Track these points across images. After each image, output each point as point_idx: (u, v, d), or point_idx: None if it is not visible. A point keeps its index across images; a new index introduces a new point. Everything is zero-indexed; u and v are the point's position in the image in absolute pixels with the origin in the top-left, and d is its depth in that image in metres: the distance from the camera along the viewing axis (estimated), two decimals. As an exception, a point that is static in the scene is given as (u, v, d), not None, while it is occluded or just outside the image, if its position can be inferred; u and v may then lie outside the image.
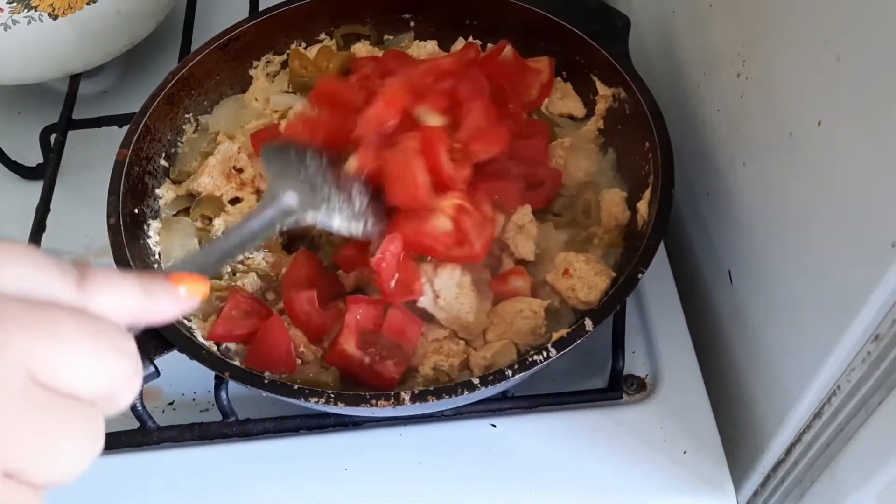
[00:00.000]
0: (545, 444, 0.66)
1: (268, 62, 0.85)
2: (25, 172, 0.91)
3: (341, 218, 0.64)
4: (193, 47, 0.87)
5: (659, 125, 0.70)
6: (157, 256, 0.73)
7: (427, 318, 0.66)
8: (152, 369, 0.59)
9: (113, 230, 0.69)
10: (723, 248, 0.70)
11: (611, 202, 0.72)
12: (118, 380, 0.34)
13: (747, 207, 0.64)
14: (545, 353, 0.58)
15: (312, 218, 0.63)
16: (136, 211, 0.73)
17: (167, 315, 0.40)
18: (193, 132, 0.81)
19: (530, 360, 0.58)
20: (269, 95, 0.83)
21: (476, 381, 0.58)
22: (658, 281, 0.75)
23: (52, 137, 0.87)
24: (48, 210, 0.79)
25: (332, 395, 0.58)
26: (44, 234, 0.77)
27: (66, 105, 0.88)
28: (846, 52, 0.47)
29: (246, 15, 0.90)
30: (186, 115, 0.81)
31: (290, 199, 0.62)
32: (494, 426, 0.68)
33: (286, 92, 0.83)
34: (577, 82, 0.81)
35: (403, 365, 0.64)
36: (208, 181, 0.75)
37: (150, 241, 0.73)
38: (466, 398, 0.58)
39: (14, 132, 0.93)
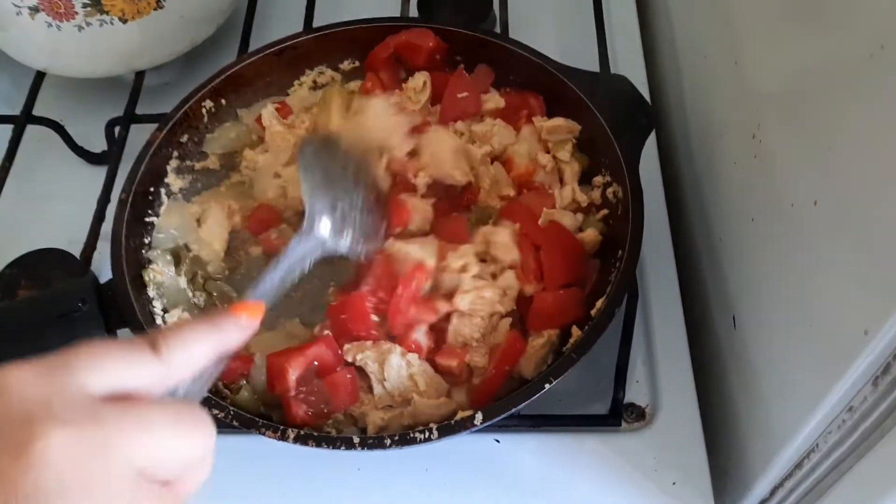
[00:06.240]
0: (543, 463, 0.71)
1: (320, 73, 0.90)
2: (90, 158, 0.97)
3: (354, 241, 0.68)
4: (251, 48, 0.93)
5: (633, 249, 0.69)
6: (150, 238, 0.80)
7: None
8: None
9: (120, 205, 0.76)
10: (730, 293, 0.73)
11: None
12: (199, 454, 0.39)
13: (753, 260, 0.67)
14: (427, 434, 0.63)
15: (340, 248, 0.67)
16: (151, 189, 0.80)
17: (238, 342, 0.46)
18: (229, 122, 0.87)
19: (411, 436, 0.63)
20: (304, 105, 0.87)
21: (356, 439, 0.63)
22: (668, 316, 0.79)
23: (116, 129, 0.93)
24: (108, 200, 0.85)
25: (232, 413, 0.65)
26: (103, 224, 0.84)
27: (131, 100, 0.94)
28: (839, 143, 0.49)
29: (301, 25, 0.95)
30: (229, 109, 0.87)
31: (323, 230, 0.66)
32: (498, 441, 0.73)
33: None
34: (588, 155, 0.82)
35: (316, 418, 0.68)
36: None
37: (154, 220, 0.80)
38: (345, 452, 0.63)
39: (82, 118, 0.99)
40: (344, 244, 0.68)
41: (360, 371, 0.70)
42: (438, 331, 0.72)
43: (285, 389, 0.68)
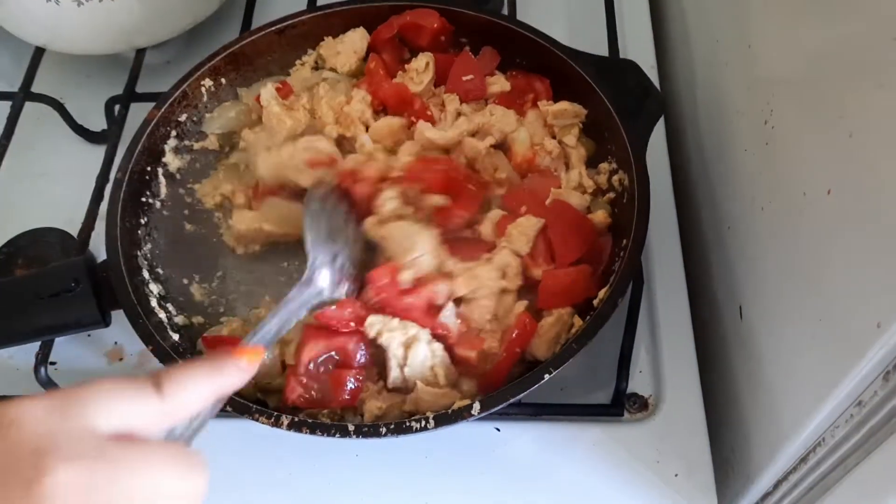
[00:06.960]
0: (544, 453, 0.70)
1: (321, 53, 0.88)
2: (90, 136, 0.96)
3: (348, 292, 0.70)
4: (254, 26, 0.91)
5: (638, 238, 0.69)
6: (147, 219, 0.78)
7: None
8: (99, 318, 0.69)
9: (116, 185, 0.75)
10: (737, 282, 0.72)
11: None
12: (193, 494, 0.42)
13: (762, 249, 0.66)
14: (423, 423, 0.62)
15: (336, 297, 0.69)
16: (148, 168, 0.79)
17: (237, 385, 0.49)
18: (229, 101, 0.86)
19: (406, 424, 0.62)
20: (307, 85, 0.86)
21: (351, 427, 0.62)
22: (673, 305, 0.78)
23: (116, 108, 0.92)
24: (107, 180, 0.84)
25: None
26: (102, 204, 0.83)
27: (131, 78, 0.92)
28: (860, 129, 0.48)
29: (304, 3, 0.94)
30: (229, 88, 0.86)
31: (323, 281, 0.68)
32: (498, 430, 0.72)
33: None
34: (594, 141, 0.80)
35: (309, 404, 0.67)
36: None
37: (151, 200, 0.79)
38: (338, 439, 0.62)
39: (82, 95, 0.98)
40: (340, 294, 0.69)
41: (377, 348, 0.69)
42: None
43: (297, 363, 0.67)
